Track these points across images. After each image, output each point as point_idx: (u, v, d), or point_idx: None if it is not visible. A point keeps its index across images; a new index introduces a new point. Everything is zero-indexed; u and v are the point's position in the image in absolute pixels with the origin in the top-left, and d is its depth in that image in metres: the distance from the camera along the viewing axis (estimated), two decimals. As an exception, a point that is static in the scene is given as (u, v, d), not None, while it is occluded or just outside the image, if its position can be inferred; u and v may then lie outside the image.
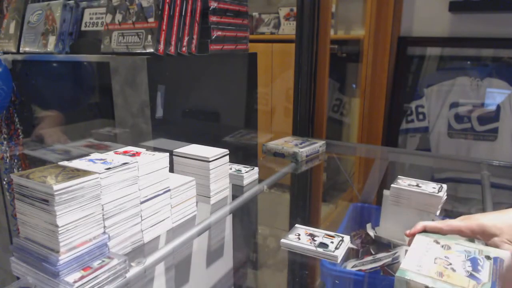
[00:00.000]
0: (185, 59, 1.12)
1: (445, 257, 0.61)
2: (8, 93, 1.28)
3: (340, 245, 0.84)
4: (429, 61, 1.99)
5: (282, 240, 0.85)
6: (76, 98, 1.37)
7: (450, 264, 0.59)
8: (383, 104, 1.95)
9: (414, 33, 1.98)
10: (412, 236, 0.69)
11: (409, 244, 0.69)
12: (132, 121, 1.04)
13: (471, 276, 0.56)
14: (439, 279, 0.55)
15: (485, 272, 0.57)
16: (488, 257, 0.60)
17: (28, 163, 1.46)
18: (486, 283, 0.54)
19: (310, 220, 1.47)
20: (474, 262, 0.59)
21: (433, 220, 0.91)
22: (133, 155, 0.76)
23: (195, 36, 1.12)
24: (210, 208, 0.94)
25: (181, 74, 1.12)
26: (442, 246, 0.64)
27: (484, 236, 0.64)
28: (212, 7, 1.15)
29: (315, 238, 0.86)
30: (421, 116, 1.98)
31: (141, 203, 0.73)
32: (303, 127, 1.64)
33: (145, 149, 0.80)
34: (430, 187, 0.98)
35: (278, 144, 1.44)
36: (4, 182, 1.49)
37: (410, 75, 2.02)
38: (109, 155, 0.74)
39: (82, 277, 0.59)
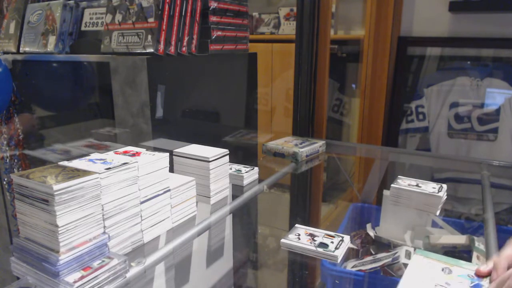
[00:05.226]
0: (185, 59, 1.12)
1: (446, 283, 0.55)
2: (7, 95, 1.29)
3: (340, 245, 0.84)
4: (429, 61, 1.99)
5: (282, 240, 0.85)
6: (76, 98, 1.37)
7: None
8: (383, 104, 1.95)
9: (414, 33, 1.98)
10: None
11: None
12: (132, 121, 1.04)
13: None
14: None
15: None
16: None
17: (28, 163, 1.46)
18: None
19: (310, 220, 1.47)
20: None
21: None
22: (133, 155, 0.76)
23: (195, 36, 1.12)
24: (210, 208, 0.94)
25: (181, 74, 1.12)
26: (443, 270, 0.59)
27: None
28: (212, 7, 1.15)
29: (315, 238, 0.86)
30: (421, 116, 1.98)
31: (141, 203, 0.73)
32: (303, 127, 1.64)
33: (145, 149, 0.80)
34: (430, 187, 0.98)
35: (278, 144, 1.44)
36: (4, 182, 1.49)
37: (410, 75, 2.02)
38: (109, 155, 0.74)
39: (82, 277, 0.59)
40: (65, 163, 0.68)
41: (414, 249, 0.67)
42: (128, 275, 0.66)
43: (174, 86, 1.09)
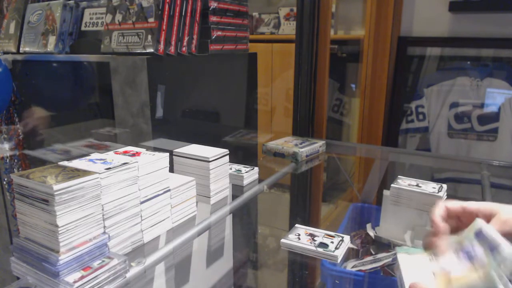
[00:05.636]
0: (185, 59, 1.12)
1: (441, 268, 0.59)
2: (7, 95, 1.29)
3: (340, 245, 0.84)
4: (429, 61, 1.99)
5: (282, 240, 0.85)
6: (76, 98, 1.37)
7: (450, 271, 0.57)
8: (383, 104, 1.95)
9: (414, 33, 1.98)
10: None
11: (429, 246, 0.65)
12: (132, 121, 1.04)
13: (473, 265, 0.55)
14: None
15: (479, 252, 0.55)
16: (470, 238, 0.58)
17: (28, 163, 1.46)
18: (489, 260, 0.52)
19: (310, 220, 1.47)
20: (466, 251, 0.58)
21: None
22: (133, 155, 0.76)
23: (195, 36, 1.12)
24: (210, 208, 0.94)
25: (181, 74, 1.13)
26: (430, 260, 0.62)
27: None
28: (212, 7, 1.15)
29: (315, 238, 0.86)
30: (421, 116, 1.98)
31: (141, 203, 0.73)
32: (303, 127, 1.64)
33: (145, 149, 0.80)
34: (430, 187, 0.98)
35: (278, 144, 1.44)
36: (4, 182, 1.49)
37: (410, 75, 2.02)
38: (109, 155, 0.74)
39: (82, 277, 0.59)
40: (65, 163, 0.68)
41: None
42: (128, 275, 0.66)
43: (174, 86, 1.09)
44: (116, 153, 0.77)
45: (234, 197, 1.02)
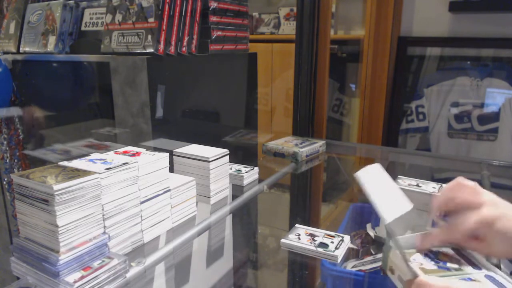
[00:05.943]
0: (185, 59, 1.12)
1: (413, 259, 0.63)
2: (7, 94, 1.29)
3: (340, 245, 0.84)
4: (429, 61, 1.99)
5: (282, 240, 0.85)
6: (76, 98, 1.37)
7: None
8: (383, 104, 1.95)
9: (414, 33, 1.98)
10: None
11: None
12: (132, 121, 1.04)
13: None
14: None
15: None
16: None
17: (28, 163, 1.46)
18: None
19: (310, 220, 1.47)
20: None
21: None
22: (133, 155, 0.76)
23: (195, 36, 1.12)
24: (210, 208, 0.94)
25: (181, 74, 1.12)
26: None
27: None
28: (212, 7, 1.15)
29: (315, 238, 0.86)
30: (421, 116, 1.98)
31: (141, 203, 0.73)
32: (303, 127, 1.64)
33: (145, 149, 0.80)
34: (430, 187, 0.98)
35: (278, 144, 1.44)
36: (4, 182, 1.49)
37: (410, 75, 2.02)
38: (109, 155, 0.74)
39: (82, 277, 0.59)
40: (65, 163, 0.68)
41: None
42: (128, 275, 0.66)
43: (174, 86, 1.09)
44: (116, 153, 0.77)
45: (234, 197, 1.02)
